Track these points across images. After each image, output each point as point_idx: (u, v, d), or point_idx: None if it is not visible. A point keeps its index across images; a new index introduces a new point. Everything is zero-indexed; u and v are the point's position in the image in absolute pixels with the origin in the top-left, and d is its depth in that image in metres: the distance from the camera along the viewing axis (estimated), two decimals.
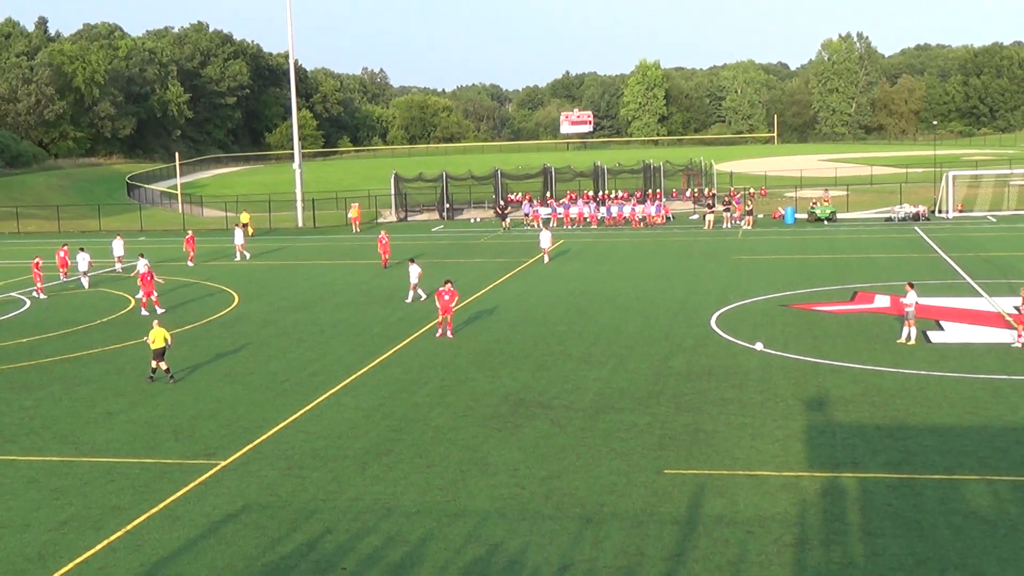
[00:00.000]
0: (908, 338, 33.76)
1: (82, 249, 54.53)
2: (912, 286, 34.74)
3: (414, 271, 45.00)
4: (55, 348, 37.26)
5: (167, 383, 31.19)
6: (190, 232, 65.70)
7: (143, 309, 43.67)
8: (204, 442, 25.15)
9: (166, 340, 31.29)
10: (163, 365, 31.39)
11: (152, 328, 31.61)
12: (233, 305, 45.85)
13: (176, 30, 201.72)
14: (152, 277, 44.85)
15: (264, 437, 25.37)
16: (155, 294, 44.54)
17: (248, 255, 64.68)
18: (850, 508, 19.63)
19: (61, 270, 55.67)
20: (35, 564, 18.15)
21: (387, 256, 56.96)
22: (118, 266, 60.30)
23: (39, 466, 23.67)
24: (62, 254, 55.87)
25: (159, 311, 43.06)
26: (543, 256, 58.28)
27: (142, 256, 51.24)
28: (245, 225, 79.67)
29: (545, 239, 58.61)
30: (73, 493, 21.73)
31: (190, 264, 60.92)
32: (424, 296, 44.35)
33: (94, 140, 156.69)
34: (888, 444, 23.37)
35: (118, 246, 61.19)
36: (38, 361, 35.16)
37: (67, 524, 19.97)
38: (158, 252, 67.37)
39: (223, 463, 23.41)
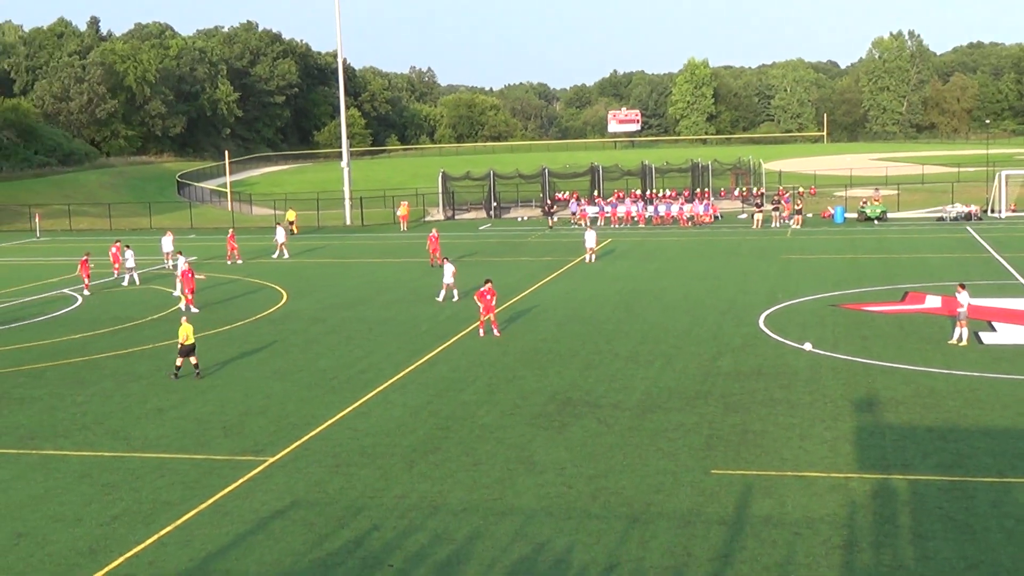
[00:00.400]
0: (960, 339, 33.41)
1: (127, 247, 55.01)
2: (964, 287, 34.36)
3: (448, 270, 44.98)
4: (107, 344, 37.66)
5: (178, 378, 31.79)
6: (231, 230, 66.10)
7: (192, 307, 44.00)
8: (253, 438, 25.33)
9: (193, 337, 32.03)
10: (179, 361, 31.97)
11: (180, 325, 32.14)
12: (282, 302, 46.14)
13: (226, 29, 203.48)
14: (192, 274, 45.40)
15: (312, 434, 25.50)
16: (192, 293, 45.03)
17: (287, 254, 64.76)
18: (900, 510, 19.45)
19: (114, 266, 56.35)
20: (86, 558, 18.36)
21: (436, 254, 56.72)
22: (168, 262, 60.83)
23: (91, 461, 23.93)
24: (114, 250, 56.59)
25: (192, 310, 43.74)
26: (588, 256, 57.85)
27: (180, 254, 51.74)
28: (291, 223, 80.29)
29: (591, 238, 58.33)
30: (124, 488, 21.95)
31: (238, 262, 61.36)
32: (456, 297, 44.45)
33: (145, 138, 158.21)
34: (939, 446, 23.14)
35: (167, 242, 61.70)
36: (90, 357, 35.56)
37: (118, 519, 20.17)
38: (207, 250, 67.95)
39: (272, 459, 23.56)
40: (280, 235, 65.81)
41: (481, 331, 37.27)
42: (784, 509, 19.63)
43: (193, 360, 31.94)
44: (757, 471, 21.84)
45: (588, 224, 79.64)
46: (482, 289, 37.56)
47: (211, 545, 18.75)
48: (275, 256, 64.22)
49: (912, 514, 19.21)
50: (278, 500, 20.91)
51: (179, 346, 31.87)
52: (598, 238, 60.32)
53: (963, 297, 33.73)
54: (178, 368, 31.95)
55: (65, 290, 51.70)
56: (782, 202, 79.37)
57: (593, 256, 57.89)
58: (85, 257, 51.90)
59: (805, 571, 17.01)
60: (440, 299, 44.71)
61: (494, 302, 37.53)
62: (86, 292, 50.34)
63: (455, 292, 44.80)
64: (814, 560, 17.38)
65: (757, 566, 17.22)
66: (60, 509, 20.79)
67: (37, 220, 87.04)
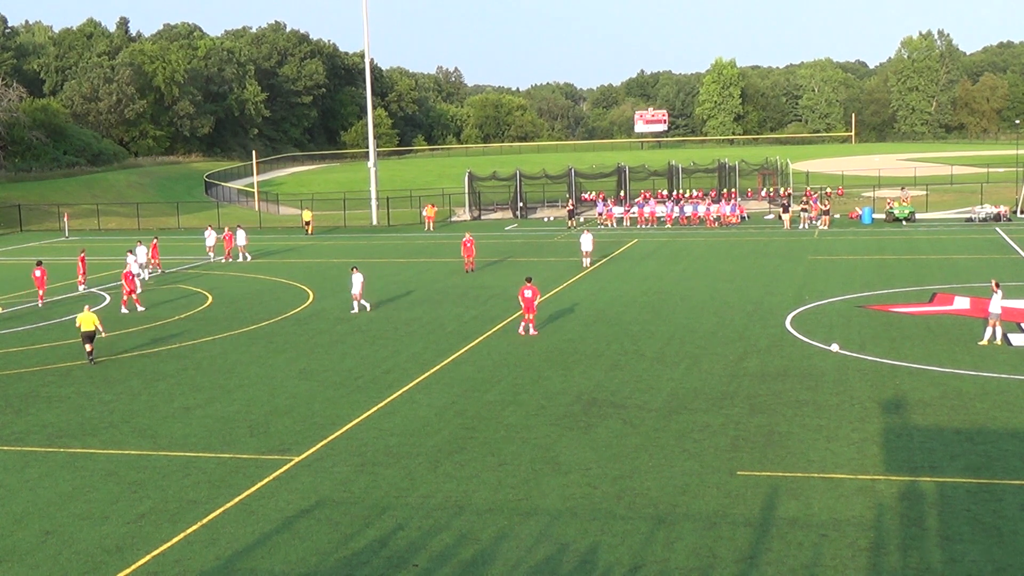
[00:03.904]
0: (991, 339, 33.21)
1: (130, 251, 55.14)
2: (999, 286, 34.12)
3: (357, 280, 43.01)
4: (134, 343, 37.85)
5: (92, 363, 34.17)
6: (227, 230, 66.47)
7: (134, 307, 45.19)
8: (279, 438, 25.40)
9: (95, 325, 34.24)
10: (88, 348, 34.18)
11: (82, 312, 34.42)
12: (308, 302, 46.26)
13: (254, 30, 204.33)
14: (134, 277, 46.48)
15: (338, 433, 25.56)
16: (136, 293, 45.86)
17: (241, 257, 63.96)
18: (928, 513, 19.33)
19: (154, 261, 58.23)
20: (113, 556, 18.45)
21: (471, 259, 55.40)
22: (211, 255, 63.56)
23: (118, 459, 24.06)
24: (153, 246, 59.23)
25: (139, 309, 44.99)
26: (584, 260, 55.74)
27: (131, 252, 52.45)
28: (307, 223, 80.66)
29: (587, 242, 55.75)
30: (151, 486, 22.05)
31: (227, 260, 63.01)
32: (368, 307, 43.20)
33: (173, 139, 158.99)
34: (967, 448, 22.98)
35: (210, 237, 64.69)
36: (118, 356, 35.75)
37: (145, 517, 20.27)
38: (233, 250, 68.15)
39: (297, 459, 23.62)
40: (241, 238, 64.77)
41: (520, 327, 37.38)
42: (810, 511, 19.54)
43: (88, 348, 34.12)
44: (783, 472, 21.76)
45: (614, 224, 79.82)
46: (524, 287, 37.61)
47: (237, 544, 18.82)
48: (239, 259, 63.67)
49: (940, 517, 19.09)
50: (304, 499, 20.97)
51: (80, 333, 34.31)
52: (595, 241, 57.65)
53: (997, 296, 33.52)
54: (89, 354, 34.13)
55: (94, 289, 51.98)
56: (810, 202, 78.98)
57: (589, 260, 55.86)
58: (82, 254, 53.93)
59: (831, 573, 16.93)
60: (355, 311, 42.86)
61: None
62: (81, 288, 51.89)
63: (365, 303, 43.33)
64: (840, 562, 17.29)
65: (783, 568, 17.14)
66: (87, 507, 20.91)
67: (66, 220, 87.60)
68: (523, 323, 37.56)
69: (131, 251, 53.51)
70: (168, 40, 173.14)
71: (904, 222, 76.56)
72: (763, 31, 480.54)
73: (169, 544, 18.87)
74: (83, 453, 24.62)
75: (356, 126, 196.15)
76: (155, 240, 61.39)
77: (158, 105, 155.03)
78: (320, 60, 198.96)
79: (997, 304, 33.52)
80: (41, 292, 47.62)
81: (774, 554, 17.69)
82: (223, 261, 62.99)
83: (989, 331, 33.43)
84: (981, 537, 18.11)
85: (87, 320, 34.08)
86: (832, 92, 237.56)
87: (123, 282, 46.18)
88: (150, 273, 56.66)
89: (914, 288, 45.49)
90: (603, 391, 28.98)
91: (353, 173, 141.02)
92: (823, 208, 77.01)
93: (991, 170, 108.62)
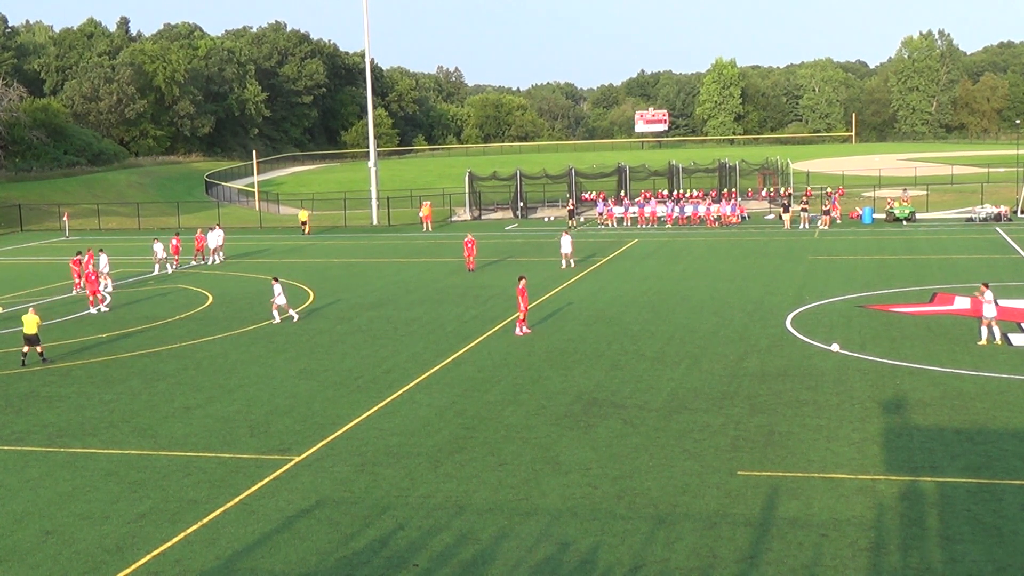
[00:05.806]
0: (989, 338, 33.23)
1: (101, 251, 55.00)
2: (987, 286, 34.09)
3: (276, 289, 41.29)
4: (135, 343, 37.85)
5: (24, 365, 34.35)
6: (199, 231, 66.51)
7: (90, 307, 45.37)
8: (279, 438, 25.40)
9: (38, 326, 34.73)
10: (38, 349, 34.71)
11: (27, 314, 34.84)
12: (308, 302, 46.25)
13: (254, 30, 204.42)
14: (97, 277, 46.89)
15: (338, 433, 25.56)
16: (100, 293, 46.31)
17: (216, 259, 63.69)
18: (928, 513, 19.32)
19: (175, 258, 60.97)
20: (113, 556, 18.45)
21: (471, 258, 55.29)
22: (220, 255, 63.93)
23: (118, 459, 24.06)
24: (174, 241, 61.44)
25: (100, 309, 45.25)
26: (564, 262, 55.81)
27: (102, 251, 53.37)
28: (304, 223, 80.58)
29: (566, 243, 55.94)
30: (151, 486, 22.06)
31: (202, 262, 63.38)
32: (293, 317, 41.74)
33: (174, 138, 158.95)
34: (968, 448, 22.98)
35: (218, 237, 64.86)
36: (118, 356, 35.75)
37: (145, 517, 20.27)
38: (230, 249, 68.17)
39: (297, 459, 23.62)
40: (212, 240, 64.37)
41: (525, 328, 37.45)
42: (810, 511, 19.54)
43: (39, 349, 34.61)
44: (783, 472, 21.75)
45: (614, 224, 79.94)
46: (521, 287, 37.68)
47: (237, 543, 18.82)
48: (210, 261, 63.46)
49: (940, 516, 19.09)
50: (304, 499, 20.97)
51: (23, 335, 34.76)
52: (574, 242, 57.82)
53: (989, 296, 33.51)
54: (24, 355, 34.62)
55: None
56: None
57: (571, 262, 55.95)
58: (76, 257, 53.59)
59: (832, 573, 16.92)
60: (276, 320, 41.39)
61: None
62: (76, 291, 52.20)
63: (288, 313, 42.01)
64: (841, 562, 17.29)
65: (783, 568, 17.14)
66: (87, 507, 20.91)
67: (66, 219, 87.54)
68: (519, 323, 37.63)
69: (101, 250, 53.71)
70: (168, 40, 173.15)
71: (904, 222, 76.51)
72: (763, 31, 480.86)
73: (169, 544, 18.88)
74: (83, 453, 24.63)
75: (356, 126, 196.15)
76: (176, 235, 63.24)
77: (158, 105, 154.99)
78: (320, 60, 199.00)
79: (990, 308, 33.45)
80: (79, 282, 50.19)
81: (774, 554, 17.69)
82: (194, 263, 63.14)
83: (985, 331, 33.43)
84: (981, 537, 18.11)
85: (32, 322, 34.50)
86: (832, 92, 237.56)
87: (87, 281, 46.46)
88: (174, 267, 59.98)
89: (914, 288, 45.48)
90: (603, 391, 28.98)
91: (353, 173, 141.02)
92: (824, 208, 76.94)
93: (991, 170, 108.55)
